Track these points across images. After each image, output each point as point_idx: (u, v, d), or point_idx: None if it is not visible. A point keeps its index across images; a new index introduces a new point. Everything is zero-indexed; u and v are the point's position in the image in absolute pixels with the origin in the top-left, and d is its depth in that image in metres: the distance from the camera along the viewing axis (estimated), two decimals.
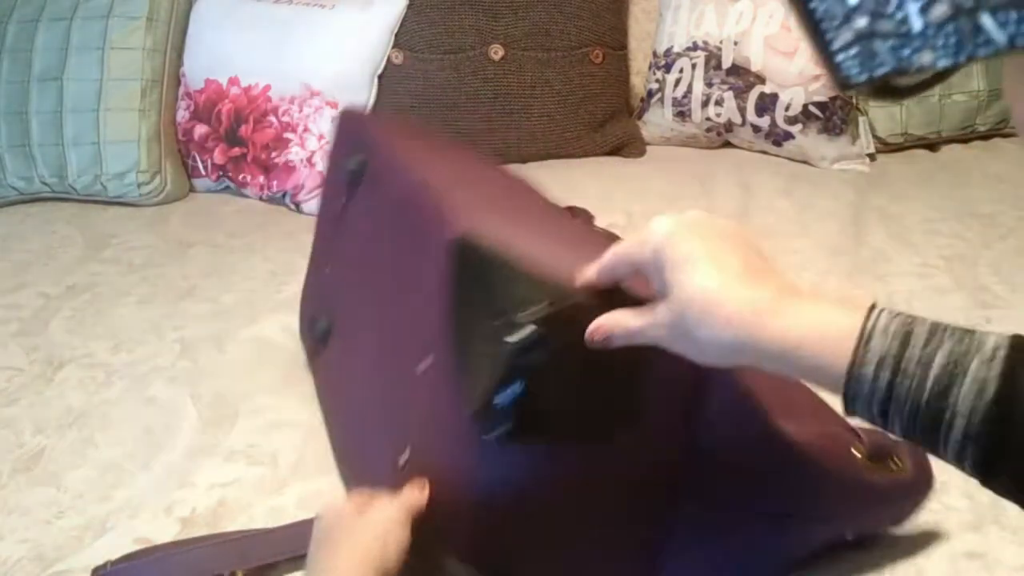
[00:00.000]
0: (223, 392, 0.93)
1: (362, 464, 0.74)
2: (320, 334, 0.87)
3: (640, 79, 1.71)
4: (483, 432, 0.51)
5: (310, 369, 0.93)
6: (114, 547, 0.72)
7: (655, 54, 1.63)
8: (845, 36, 0.28)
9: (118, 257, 1.29)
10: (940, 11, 0.26)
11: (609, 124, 1.61)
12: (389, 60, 1.52)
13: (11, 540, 0.74)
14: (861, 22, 0.28)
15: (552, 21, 1.54)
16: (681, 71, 1.58)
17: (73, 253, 1.31)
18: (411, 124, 1.06)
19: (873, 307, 0.44)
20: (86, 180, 1.47)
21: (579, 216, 1.01)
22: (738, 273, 0.46)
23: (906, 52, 0.27)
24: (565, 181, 1.41)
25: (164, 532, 0.74)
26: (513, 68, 1.52)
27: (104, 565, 0.69)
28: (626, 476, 0.56)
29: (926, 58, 0.27)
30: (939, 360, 0.41)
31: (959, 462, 0.42)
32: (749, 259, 0.47)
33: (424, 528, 0.55)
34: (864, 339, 0.43)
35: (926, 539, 0.69)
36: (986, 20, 0.25)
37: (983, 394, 0.40)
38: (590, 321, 0.50)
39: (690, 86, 1.57)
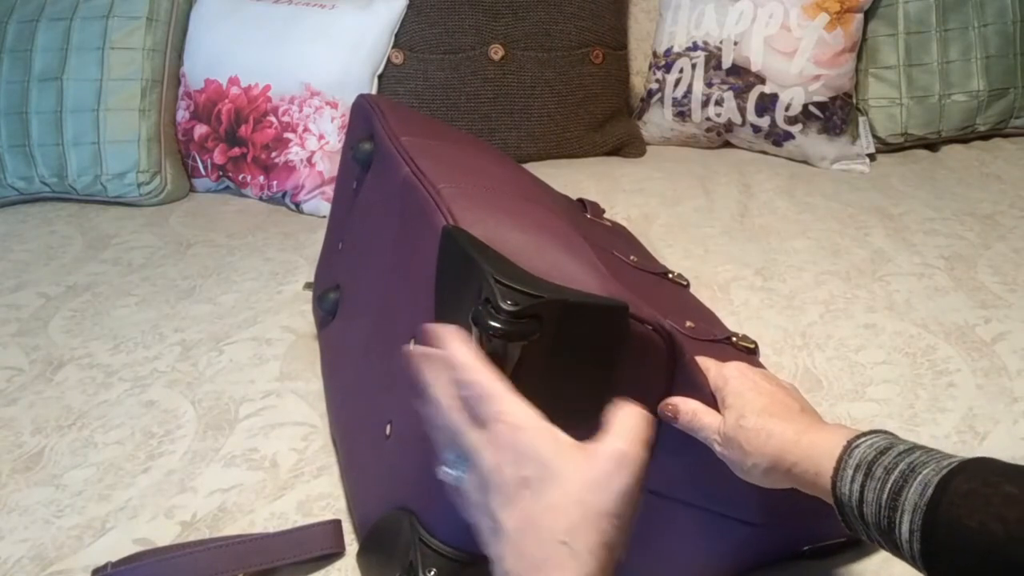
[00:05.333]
0: (222, 393, 0.93)
1: (353, 431, 0.76)
2: (329, 307, 0.90)
3: (640, 79, 1.71)
4: None
5: (318, 341, 0.95)
6: (114, 547, 0.72)
7: (655, 54, 1.63)
8: None
9: (118, 257, 1.29)
10: None
11: (609, 124, 1.61)
12: (389, 60, 1.52)
13: (11, 540, 0.74)
14: None
15: (552, 21, 1.54)
16: (681, 71, 1.58)
17: (73, 253, 1.31)
18: (419, 112, 1.07)
19: (877, 430, 0.51)
20: (86, 180, 1.47)
21: (589, 209, 1.01)
22: (781, 413, 0.56)
23: None
24: (565, 181, 1.41)
25: (164, 534, 0.74)
26: (513, 68, 1.52)
27: (105, 566, 0.69)
28: None
29: None
30: (901, 467, 0.47)
31: (913, 560, 0.46)
32: (788, 402, 0.58)
33: None
34: (849, 448, 0.50)
35: None
36: None
37: (924, 494, 0.45)
38: (563, 317, 0.51)
39: (690, 86, 1.57)
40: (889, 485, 0.47)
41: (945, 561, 0.44)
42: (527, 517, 0.42)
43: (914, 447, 0.48)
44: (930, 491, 0.44)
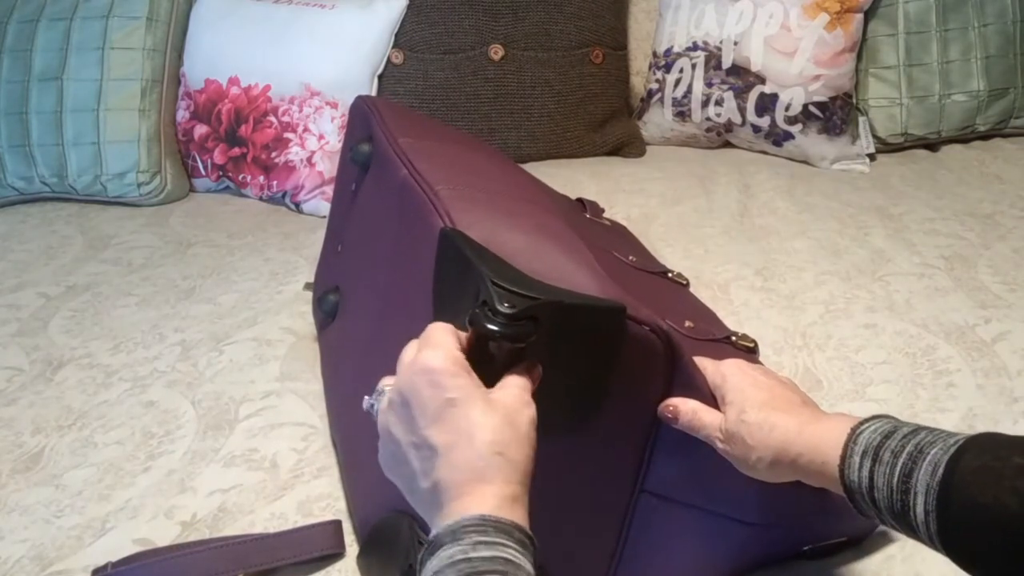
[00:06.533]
0: (222, 393, 0.93)
1: (354, 433, 0.76)
2: (329, 309, 0.90)
3: (640, 79, 1.71)
4: None
5: (318, 343, 0.95)
6: (114, 548, 0.72)
7: (655, 54, 1.63)
8: None
9: (118, 257, 1.29)
10: None
11: (609, 124, 1.61)
12: (389, 60, 1.52)
13: (11, 540, 0.74)
14: None
15: (552, 21, 1.54)
16: (681, 71, 1.58)
17: (73, 253, 1.31)
18: (418, 113, 1.07)
19: (878, 415, 0.52)
20: (86, 180, 1.47)
21: (589, 209, 1.01)
22: (782, 406, 0.56)
23: None
24: (565, 181, 1.41)
25: (164, 534, 0.74)
26: (513, 68, 1.52)
27: (105, 566, 0.69)
28: (588, 466, 0.59)
29: None
30: (908, 449, 0.47)
31: (930, 541, 0.46)
32: (789, 395, 0.58)
33: None
34: (854, 435, 0.51)
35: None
36: None
37: (935, 474, 0.45)
38: (560, 319, 0.51)
39: (690, 86, 1.57)
40: (898, 468, 0.47)
41: (963, 539, 0.44)
42: (458, 430, 0.46)
43: (918, 428, 0.49)
44: (940, 471, 0.44)
